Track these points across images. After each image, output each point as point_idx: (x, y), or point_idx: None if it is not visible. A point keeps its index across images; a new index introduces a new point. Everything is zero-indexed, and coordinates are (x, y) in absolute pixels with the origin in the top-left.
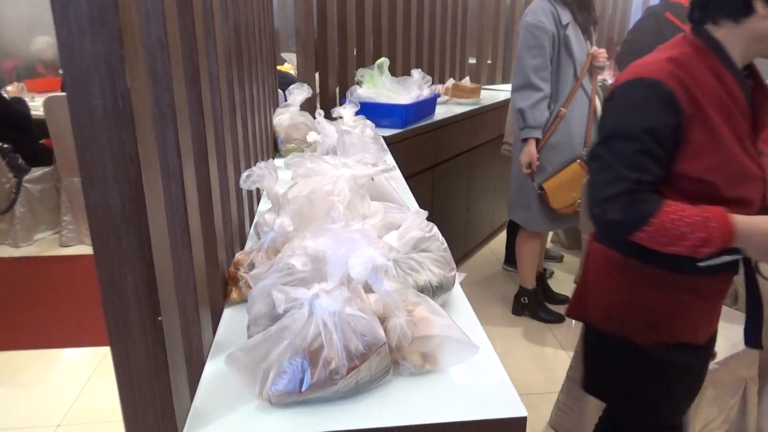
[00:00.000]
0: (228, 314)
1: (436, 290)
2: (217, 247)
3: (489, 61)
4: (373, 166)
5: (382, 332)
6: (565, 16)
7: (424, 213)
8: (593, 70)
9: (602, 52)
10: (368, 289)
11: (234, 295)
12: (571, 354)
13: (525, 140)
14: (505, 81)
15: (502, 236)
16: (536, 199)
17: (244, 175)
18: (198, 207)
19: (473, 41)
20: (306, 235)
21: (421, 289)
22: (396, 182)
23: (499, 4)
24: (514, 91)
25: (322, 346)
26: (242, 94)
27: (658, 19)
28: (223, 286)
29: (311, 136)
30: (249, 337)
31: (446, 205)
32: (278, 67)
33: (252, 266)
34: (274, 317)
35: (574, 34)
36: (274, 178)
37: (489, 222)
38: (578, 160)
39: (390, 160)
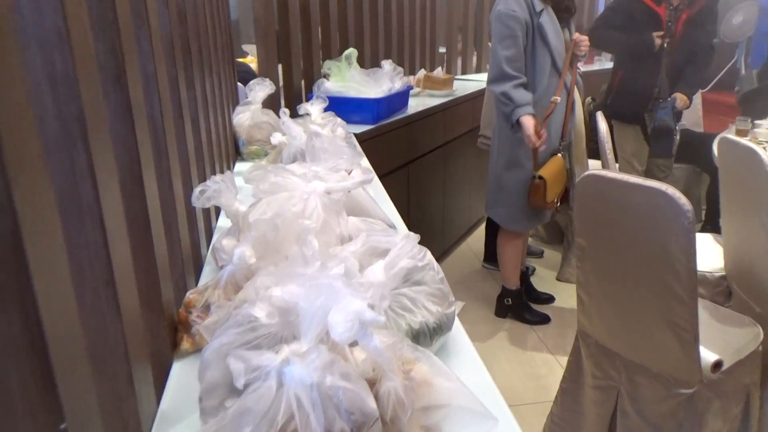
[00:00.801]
0: (178, 369)
1: (434, 333)
2: (160, 287)
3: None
4: (348, 172)
5: (372, 403)
6: (539, 3)
7: (416, 237)
8: (574, 58)
9: (585, 39)
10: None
11: (186, 344)
12: (560, 359)
13: (518, 121)
14: (478, 70)
15: (480, 231)
16: (515, 196)
17: (196, 191)
18: (129, 243)
19: (442, 30)
20: (270, 273)
21: (417, 334)
22: (374, 189)
23: None
24: (490, 83)
25: None
26: (191, 92)
27: None
28: (171, 334)
29: (275, 138)
30: (202, 413)
31: (423, 203)
32: (241, 60)
33: (207, 308)
34: (235, 387)
35: (549, 21)
36: (232, 193)
37: (466, 218)
38: (558, 154)
39: (366, 163)
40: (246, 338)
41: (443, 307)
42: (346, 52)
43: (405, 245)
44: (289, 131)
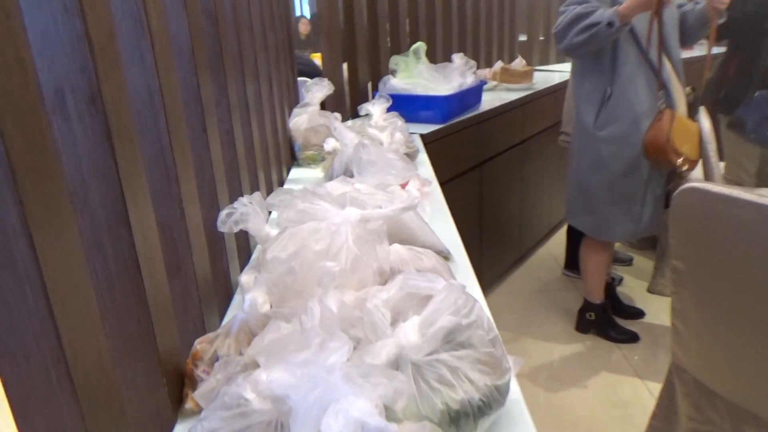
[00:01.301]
0: None
1: (479, 413)
2: (155, 337)
3: (541, 38)
4: (403, 186)
5: None
6: None
7: (460, 286)
8: (712, 14)
9: None
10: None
11: (190, 403)
12: (649, 384)
13: (618, 13)
14: (560, 60)
15: (561, 234)
16: (603, 202)
17: (222, 214)
18: (98, 301)
19: (523, 16)
20: (258, 350)
21: (457, 416)
22: (431, 204)
23: None
24: (559, 36)
25: None
26: (223, 101)
27: None
28: (176, 388)
29: (329, 144)
30: None
31: (497, 207)
32: (313, 56)
33: (213, 362)
34: None
35: None
36: (262, 217)
37: (546, 220)
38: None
39: (428, 171)
40: (236, 426)
41: (494, 376)
42: (414, 46)
43: (446, 297)
44: (341, 137)
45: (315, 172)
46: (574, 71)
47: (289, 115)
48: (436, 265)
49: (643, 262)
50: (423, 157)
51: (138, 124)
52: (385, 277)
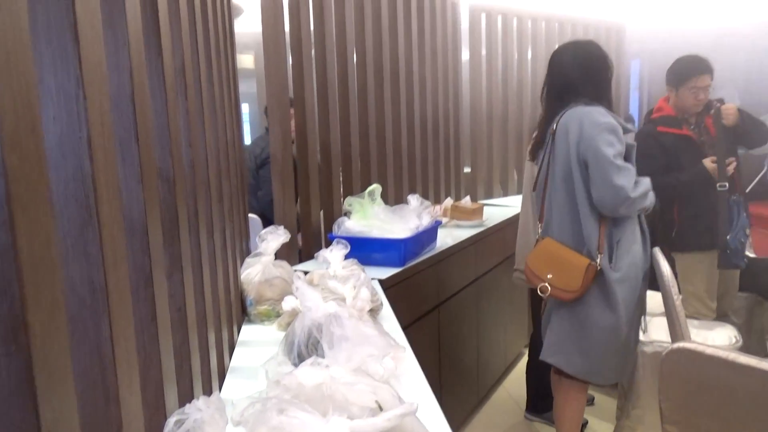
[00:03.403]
0: None
1: None
2: None
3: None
4: (382, 359)
5: None
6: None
7: None
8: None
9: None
10: None
11: None
12: None
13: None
14: (502, 194)
15: (516, 373)
16: (605, 343)
17: (171, 422)
18: None
19: (467, 151)
20: None
21: None
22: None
23: (491, 112)
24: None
25: None
26: (177, 274)
27: None
28: None
29: (288, 303)
30: None
31: (455, 349)
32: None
33: None
34: None
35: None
36: (220, 425)
37: (502, 358)
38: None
39: (394, 325)
40: None
41: None
42: (370, 188)
43: None
44: (303, 299)
45: (270, 330)
46: (571, 215)
47: (241, 265)
48: None
49: (605, 402)
50: (387, 311)
51: (72, 340)
52: None
